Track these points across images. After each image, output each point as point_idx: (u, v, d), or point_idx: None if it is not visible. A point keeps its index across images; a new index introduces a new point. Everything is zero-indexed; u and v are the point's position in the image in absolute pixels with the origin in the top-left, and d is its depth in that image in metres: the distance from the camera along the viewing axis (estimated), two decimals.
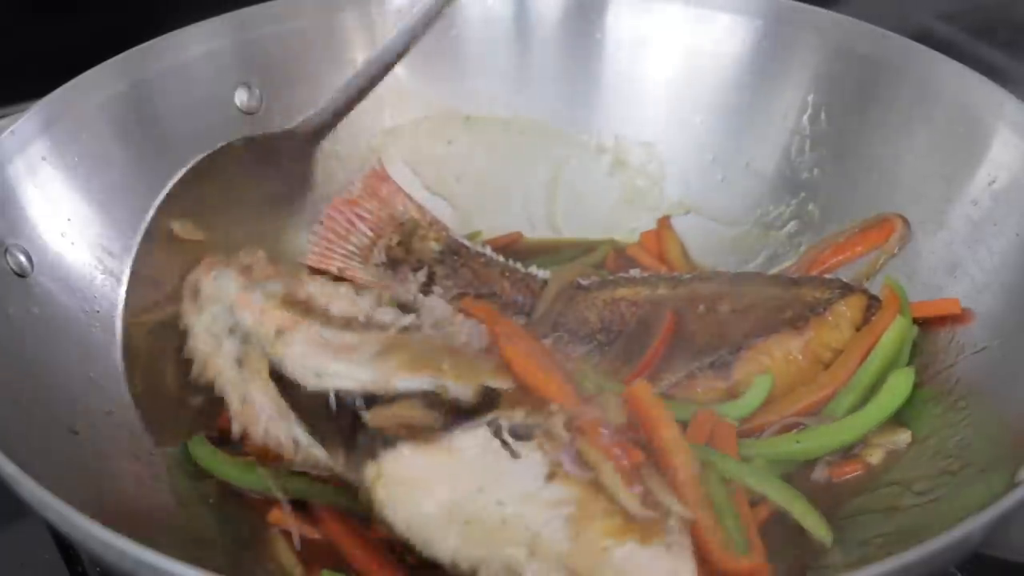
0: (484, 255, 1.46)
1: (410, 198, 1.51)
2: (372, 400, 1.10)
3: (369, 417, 1.09)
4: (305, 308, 1.15)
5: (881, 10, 1.46)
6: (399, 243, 1.47)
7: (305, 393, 1.12)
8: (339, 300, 1.17)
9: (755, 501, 1.17)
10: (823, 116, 1.49)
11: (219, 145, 1.36)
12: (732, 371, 1.28)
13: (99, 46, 1.35)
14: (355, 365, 1.10)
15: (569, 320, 1.37)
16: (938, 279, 1.35)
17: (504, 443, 1.06)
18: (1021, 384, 1.18)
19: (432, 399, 1.09)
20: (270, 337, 1.12)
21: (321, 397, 1.11)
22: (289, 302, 1.15)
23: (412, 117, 1.61)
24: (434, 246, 1.47)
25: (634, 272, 1.42)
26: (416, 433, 1.08)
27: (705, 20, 1.56)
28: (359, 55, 1.52)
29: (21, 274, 1.24)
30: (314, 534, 1.16)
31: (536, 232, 1.62)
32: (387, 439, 1.08)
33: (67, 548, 1.22)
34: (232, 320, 1.15)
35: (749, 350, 1.29)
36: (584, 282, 1.40)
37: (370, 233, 1.48)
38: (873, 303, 1.34)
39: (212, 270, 1.19)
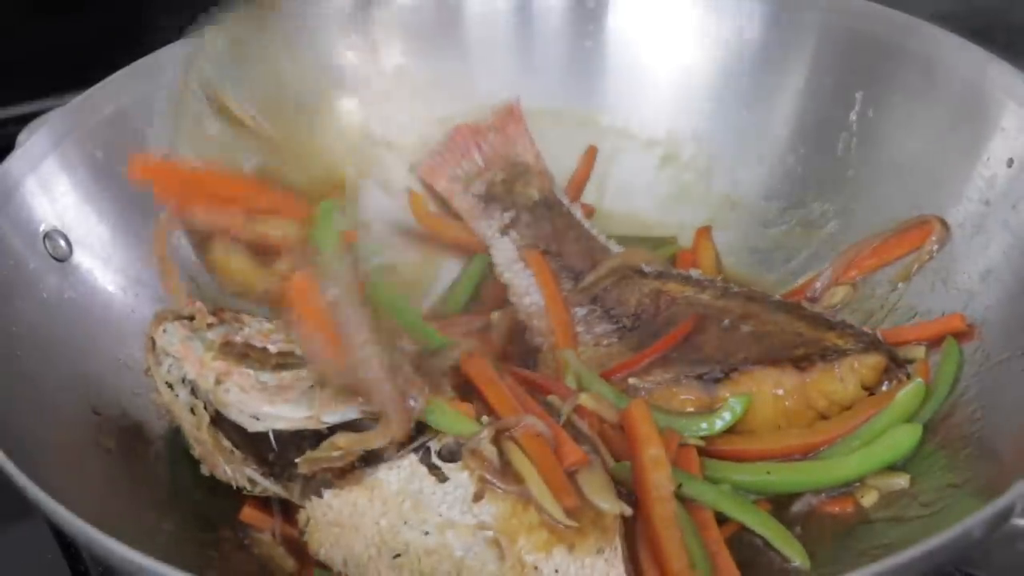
0: (572, 217, 1.49)
1: (532, 143, 1.56)
2: (305, 437, 1.13)
3: (300, 464, 1.12)
4: (242, 353, 1.17)
5: None
6: (503, 181, 1.52)
7: (251, 435, 1.15)
8: (277, 335, 1.19)
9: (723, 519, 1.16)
10: (871, 113, 1.46)
11: None
12: (717, 389, 1.25)
13: (103, 46, 1.39)
14: (287, 405, 1.13)
15: (609, 297, 1.39)
16: (972, 284, 1.31)
17: (432, 467, 1.08)
18: None
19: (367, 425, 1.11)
20: (211, 387, 1.15)
21: (266, 437, 1.14)
22: (227, 350, 1.18)
23: (465, 107, 1.62)
24: (533, 194, 1.51)
25: (694, 272, 1.42)
26: (343, 473, 1.11)
27: (755, 14, 1.54)
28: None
29: (59, 259, 1.30)
30: (293, 533, 1.18)
31: None
32: (316, 483, 1.12)
33: (69, 547, 1.26)
34: (182, 371, 1.18)
35: (742, 374, 1.25)
36: (647, 268, 1.41)
37: (481, 163, 1.55)
38: (894, 368, 1.27)
39: (161, 324, 1.22)
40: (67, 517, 0.98)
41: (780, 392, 1.25)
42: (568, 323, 1.37)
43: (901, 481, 1.19)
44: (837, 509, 1.19)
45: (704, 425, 1.22)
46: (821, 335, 1.27)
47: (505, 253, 1.47)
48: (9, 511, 1.21)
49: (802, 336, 1.27)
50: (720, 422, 1.23)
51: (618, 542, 1.03)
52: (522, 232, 1.48)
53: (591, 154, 1.61)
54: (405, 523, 1.07)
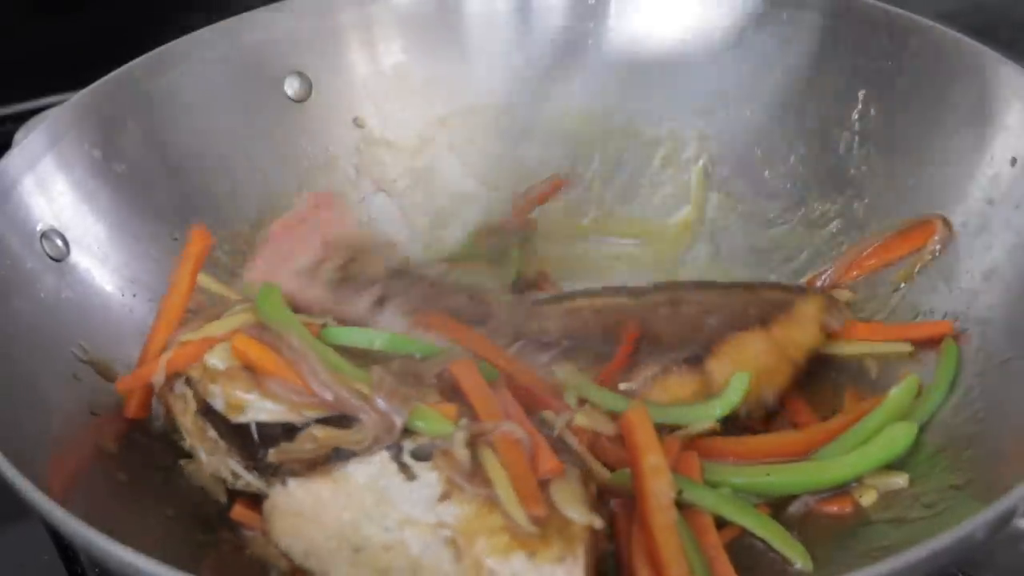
0: (433, 275, 1.42)
1: (354, 221, 1.50)
2: (287, 430, 1.13)
3: (271, 454, 1.12)
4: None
5: None
6: (349, 261, 1.42)
7: (238, 428, 1.15)
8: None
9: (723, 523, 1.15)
10: (873, 111, 1.45)
11: None
12: (705, 366, 1.26)
13: (103, 45, 1.39)
14: (270, 397, 1.13)
15: (531, 329, 1.35)
16: (975, 284, 1.31)
17: (403, 465, 1.07)
18: None
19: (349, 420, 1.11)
20: (199, 376, 1.15)
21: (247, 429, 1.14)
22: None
23: (464, 105, 1.62)
24: (384, 265, 1.43)
25: (592, 287, 1.42)
26: (313, 465, 1.10)
27: (757, 13, 1.53)
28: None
29: (56, 258, 1.29)
30: None
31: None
32: (283, 473, 1.11)
33: (65, 549, 1.25)
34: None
35: (721, 345, 1.27)
36: (541, 297, 1.41)
37: (316, 254, 1.43)
38: (832, 303, 1.34)
39: None
40: (64, 519, 0.97)
41: (760, 352, 1.27)
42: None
43: (900, 480, 1.19)
44: (836, 509, 1.19)
45: (717, 408, 1.22)
46: (758, 295, 1.33)
47: (394, 326, 1.36)
48: (5, 512, 1.20)
49: (744, 300, 1.32)
50: (731, 399, 1.23)
51: (581, 552, 1.02)
52: (398, 303, 1.38)
53: (554, 185, 1.60)
54: (367, 518, 1.06)
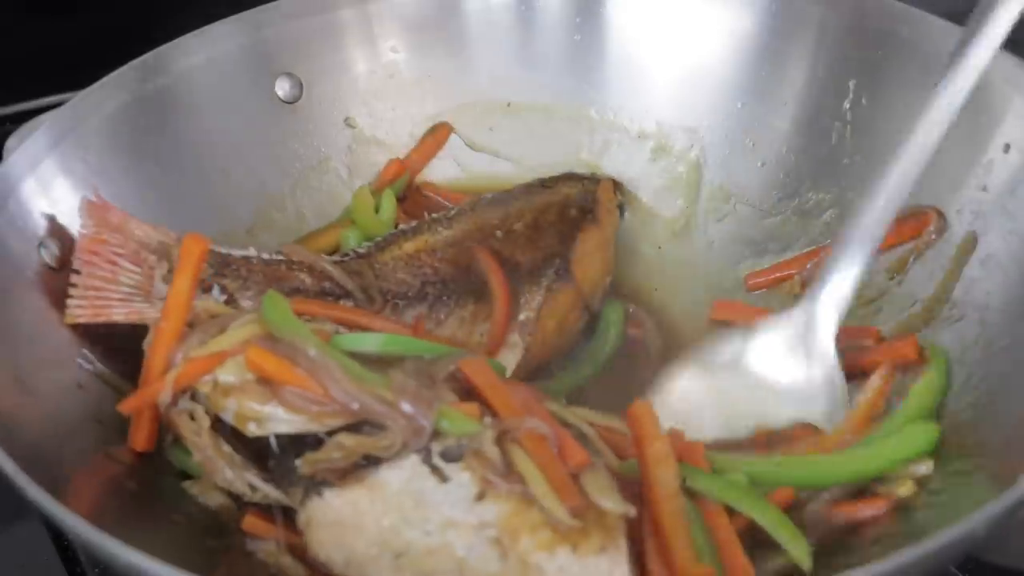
0: (254, 257, 1.35)
1: (140, 223, 1.32)
2: (307, 441, 1.12)
3: (300, 465, 1.10)
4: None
5: None
6: (170, 269, 1.29)
7: (251, 440, 1.13)
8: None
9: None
10: (864, 101, 1.46)
11: None
12: (573, 274, 1.37)
13: (97, 46, 1.39)
14: (288, 409, 1.12)
15: (391, 287, 1.37)
16: (971, 270, 1.32)
17: (434, 468, 1.07)
18: None
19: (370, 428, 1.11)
20: (209, 391, 1.14)
21: (265, 442, 1.13)
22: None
23: (454, 104, 1.62)
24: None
25: (401, 226, 1.44)
26: (345, 474, 1.10)
27: (750, 4, 1.53)
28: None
29: (56, 267, 1.28)
30: (299, 540, 1.14)
31: None
32: (317, 484, 1.10)
33: (65, 549, 1.25)
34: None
35: (573, 249, 1.38)
36: (360, 250, 1.41)
37: (135, 267, 1.29)
38: (615, 183, 1.49)
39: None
40: (77, 524, 0.97)
41: (598, 243, 1.41)
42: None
43: (923, 468, 1.17)
44: (868, 508, 1.17)
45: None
46: (558, 194, 1.45)
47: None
48: (5, 512, 1.22)
49: (552, 202, 1.43)
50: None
51: (622, 541, 1.02)
52: (245, 295, 1.33)
53: (442, 132, 1.62)
54: (407, 522, 1.06)
